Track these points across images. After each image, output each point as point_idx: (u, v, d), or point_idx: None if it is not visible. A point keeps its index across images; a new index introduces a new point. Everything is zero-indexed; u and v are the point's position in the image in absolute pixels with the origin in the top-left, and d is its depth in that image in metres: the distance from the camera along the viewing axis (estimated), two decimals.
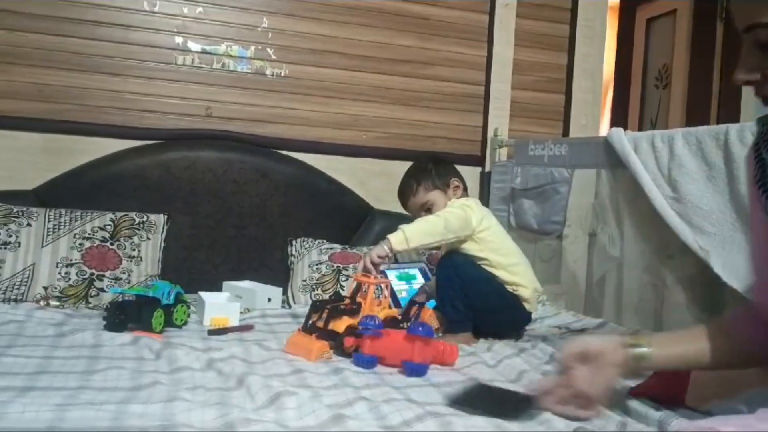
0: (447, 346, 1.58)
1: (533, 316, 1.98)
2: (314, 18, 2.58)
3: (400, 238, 1.79)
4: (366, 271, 1.76)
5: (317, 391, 1.27)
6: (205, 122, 2.48)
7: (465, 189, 2.03)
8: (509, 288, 1.89)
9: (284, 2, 2.55)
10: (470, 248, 1.90)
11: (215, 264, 2.37)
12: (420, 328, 1.50)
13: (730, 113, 3.03)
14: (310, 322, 1.63)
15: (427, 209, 1.96)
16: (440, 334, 1.81)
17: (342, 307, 1.65)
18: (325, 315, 1.62)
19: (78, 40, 2.33)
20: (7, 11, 2.25)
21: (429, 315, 1.80)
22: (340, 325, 1.60)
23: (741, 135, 1.73)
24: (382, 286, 1.81)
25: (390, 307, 1.77)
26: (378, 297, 1.75)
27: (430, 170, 1.98)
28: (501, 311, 1.89)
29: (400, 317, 1.73)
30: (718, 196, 1.80)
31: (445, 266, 1.90)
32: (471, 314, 1.85)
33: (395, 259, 2.40)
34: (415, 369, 1.46)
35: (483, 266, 1.88)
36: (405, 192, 2.00)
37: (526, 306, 1.91)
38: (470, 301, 1.84)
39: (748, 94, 2.97)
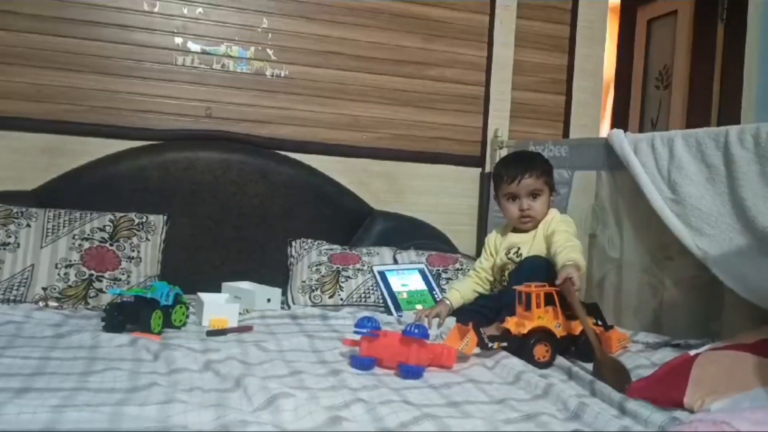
0: (444, 349, 1.58)
1: None
2: (314, 18, 2.58)
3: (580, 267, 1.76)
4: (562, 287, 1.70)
5: (314, 393, 1.27)
6: (204, 123, 2.48)
7: None
8: None
9: (284, 3, 2.55)
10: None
11: (215, 265, 2.37)
12: (416, 330, 1.50)
13: (731, 115, 3.02)
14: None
15: (534, 196, 2.03)
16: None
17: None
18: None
19: (77, 41, 2.33)
20: (6, 11, 2.26)
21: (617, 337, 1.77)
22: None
23: (741, 137, 1.73)
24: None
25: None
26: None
27: (552, 170, 2.11)
28: None
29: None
30: (717, 198, 1.80)
31: (537, 263, 1.88)
32: None
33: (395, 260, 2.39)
34: (410, 371, 1.46)
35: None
36: (531, 168, 2.04)
37: None
38: None
39: (748, 95, 2.97)
